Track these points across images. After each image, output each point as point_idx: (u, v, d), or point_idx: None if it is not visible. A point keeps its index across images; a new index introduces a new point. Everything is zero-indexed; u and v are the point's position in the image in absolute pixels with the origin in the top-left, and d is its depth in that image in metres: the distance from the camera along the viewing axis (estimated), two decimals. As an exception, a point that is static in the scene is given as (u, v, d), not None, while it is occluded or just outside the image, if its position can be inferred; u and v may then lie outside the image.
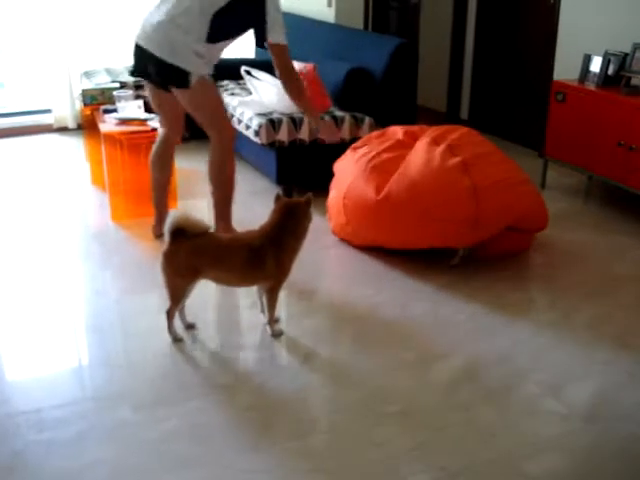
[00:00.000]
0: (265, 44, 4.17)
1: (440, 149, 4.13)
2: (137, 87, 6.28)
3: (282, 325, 3.53)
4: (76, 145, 6.58)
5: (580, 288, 4.02)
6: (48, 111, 7.11)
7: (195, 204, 5.18)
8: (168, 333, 3.39)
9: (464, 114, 7.50)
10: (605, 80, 5.11)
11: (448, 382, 3.15)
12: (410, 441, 2.76)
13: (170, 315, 3.36)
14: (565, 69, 5.72)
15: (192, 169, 5.85)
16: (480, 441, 2.77)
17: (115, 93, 5.18)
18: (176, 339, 3.39)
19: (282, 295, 3.53)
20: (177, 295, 3.31)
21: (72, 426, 2.82)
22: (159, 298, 3.61)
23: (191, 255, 3.23)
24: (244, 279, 3.40)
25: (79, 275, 4.20)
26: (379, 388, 3.09)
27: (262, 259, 3.26)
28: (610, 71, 5.12)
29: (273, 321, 3.43)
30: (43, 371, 3.26)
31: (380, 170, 4.22)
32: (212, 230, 3.40)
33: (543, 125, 5.66)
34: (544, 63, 6.25)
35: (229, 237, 3.47)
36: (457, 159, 4.06)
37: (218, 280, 3.41)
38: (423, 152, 4.17)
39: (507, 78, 6.97)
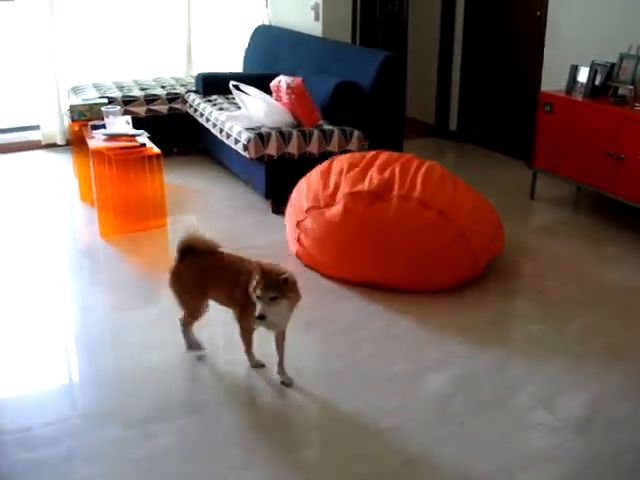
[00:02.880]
0: None
1: (413, 204, 4.03)
2: (125, 103, 6.30)
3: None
4: (64, 161, 6.56)
5: (571, 299, 4.02)
6: (36, 127, 7.09)
7: (184, 219, 5.16)
8: (184, 340, 3.40)
9: (453, 125, 7.52)
10: (592, 90, 5.14)
11: (440, 395, 3.13)
12: (403, 455, 2.75)
13: (186, 324, 3.36)
14: (552, 80, 5.74)
15: (180, 184, 5.84)
16: (473, 454, 2.75)
17: (103, 109, 5.17)
18: (191, 347, 3.40)
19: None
20: (191, 312, 3.31)
21: (62, 444, 2.80)
22: (148, 314, 3.59)
23: (198, 273, 3.21)
24: (230, 303, 3.28)
25: (68, 291, 4.18)
26: (371, 402, 3.08)
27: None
28: (597, 81, 5.14)
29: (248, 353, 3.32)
30: (32, 389, 3.23)
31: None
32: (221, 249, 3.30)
33: (531, 136, 5.68)
34: (531, 74, 6.28)
35: (233, 259, 3.25)
36: (433, 211, 4.00)
37: (217, 300, 3.34)
38: (395, 211, 4.04)
39: (495, 89, 6.99)
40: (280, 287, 2.89)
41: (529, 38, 6.36)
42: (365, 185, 4.13)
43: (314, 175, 4.49)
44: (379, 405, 3.06)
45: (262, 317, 2.86)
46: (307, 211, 4.27)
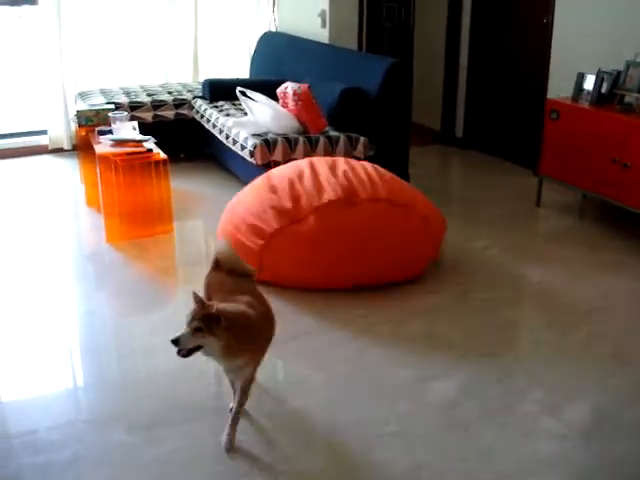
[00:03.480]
0: None
1: (382, 204, 4.18)
2: (132, 108, 6.32)
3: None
4: (71, 166, 6.58)
5: (576, 306, 4.02)
6: (43, 132, 7.11)
7: (190, 224, 5.18)
8: None
9: (459, 132, 7.52)
10: (599, 98, 5.13)
11: (446, 401, 3.13)
12: (410, 461, 2.74)
13: None
14: (559, 87, 5.74)
15: (186, 189, 5.85)
16: (479, 461, 2.75)
17: (110, 114, 5.18)
18: None
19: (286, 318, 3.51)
20: None
21: (67, 448, 2.80)
22: (153, 319, 3.60)
23: (217, 286, 3.07)
24: None
25: (73, 296, 4.18)
26: (377, 408, 3.08)
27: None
28: (604, 89, 5.14)
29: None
30: (37, 392, 3.24)
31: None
32: (253, 276, 3.11)
33: (537, 143, 5.68)
34: (538, 81, 6.28)
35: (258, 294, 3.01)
36: (400, 207, 4.23)
37: None
38: (368, 214, 4.15)
39: (501, 96, 7.00)
40: (208, 320, 2.57)
41: (536, 45, 6.37)
42: (331, 194, 4.13)
43: (253, 196, 4.33)
44: (385, 411, 3.06)
45: (176, 341, 2.56)
46: (274, 234, 4.06)
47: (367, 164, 4.53)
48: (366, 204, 4.15)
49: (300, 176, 4.34)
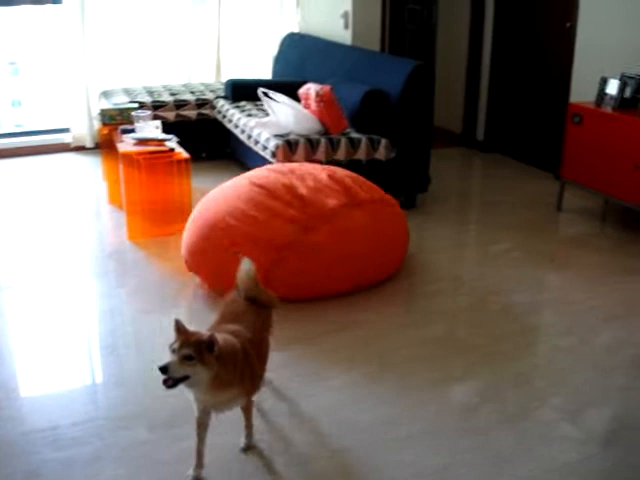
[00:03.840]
0: None
1: (380, 203, 4.30)
2: (155, 107, 6.35)
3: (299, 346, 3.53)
4: (93, 164, 6.63)
5: (598, 312, 4.00)
6: (66, 130, 7.16)
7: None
8: None
9: (480, 135, 7.50)
10: (622, 103, 5.11)
11: (466, 405, 3.13)
12: (430, 463, 2.75)
13: None
14: (582, 91, 5.72)
15: (208, 189, 5.86)
16: (497, 466, 2.75)
17: (134, 113, 5.21)
18: None
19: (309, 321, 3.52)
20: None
21: (88, 445, 2.82)
22: (174, 317, 3.60)
23: (230, 304, 2.93)
24: None
25: (95, 293, 4.22)
26: (396, 410, 3.08)
27: None
28: (627, 94, 5.11)
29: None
30: (59, 389, 3.27)
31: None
32: (273, 307, 2.94)
33: (560, 147, 5.66)
34: (561, 85, 6.26)
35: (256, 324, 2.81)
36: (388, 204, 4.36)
37: None
38: (371, 214, 4.20)
39: (524, 100, 6.98)
40: (199, 347, 2.39)
41: (559, 49, 6.35)
42: (340, 199, 4.10)
43: (243, 202, 4.04)
44: (404, 414, 3.06)
45: (164, 369, 2.35)
46: (285, 247, 3.89)
47: (334, 167, 4.55)
48: (368, 205, 4.20)
49: (290, 181, 4.17)
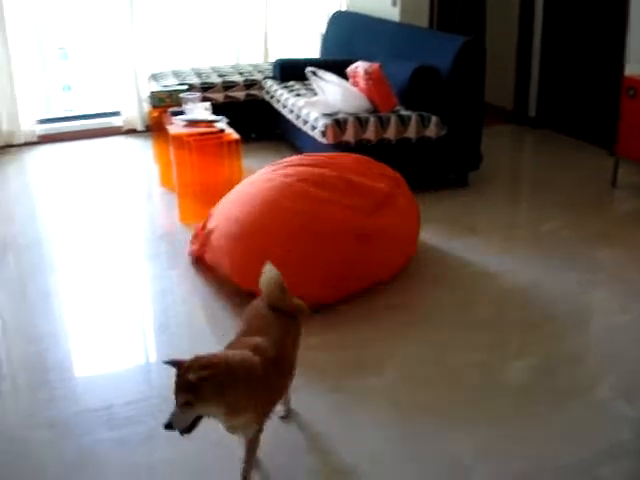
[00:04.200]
0: None
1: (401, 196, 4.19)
2: (204, 89, 6.37)
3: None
4: (144, 147, 6.68)
5: (654, 289, 3.93)
6: (117, 113, 7.23)
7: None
8: None
9: (532, 111, 7.37)
10: (679, 75, 4.98)
11: (521, 383, 3.10)
12: (479, 445, 2.73)
13: None
14: (637, 64, 5.57)
15: (257, 169, 5.87)
16: (551, 446, 2.72)
17: (183, 95, 5.23)
18: None
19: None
20: None
21: (142, 424, 2.86)
22: (224, 299, 3.62)
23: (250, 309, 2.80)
24: None
25: (147, 275, 4.26)
26: (447, 389, 3.07)
27: None
28: (684, 66, 4.98)
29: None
30: (113, 369, 3.32)
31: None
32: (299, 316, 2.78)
33: (614, 122, 5.54)
34: (615, 58, 6.11)
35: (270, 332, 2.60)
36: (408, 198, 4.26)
37: None
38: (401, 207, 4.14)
39: (576, 74, 6.83)
40: (193, 388, 2.23)
41: (612, 20, 6.19)
42: (385, 181, 4.13)
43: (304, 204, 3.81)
44: (456, 394, 3.05)
45: (169, 426, 2.23)
46: (362, 236, 3.78)
47: (342, 153, 4.56)
48: (402, 186, 4.26)
49: (322, 181, 3.96)
